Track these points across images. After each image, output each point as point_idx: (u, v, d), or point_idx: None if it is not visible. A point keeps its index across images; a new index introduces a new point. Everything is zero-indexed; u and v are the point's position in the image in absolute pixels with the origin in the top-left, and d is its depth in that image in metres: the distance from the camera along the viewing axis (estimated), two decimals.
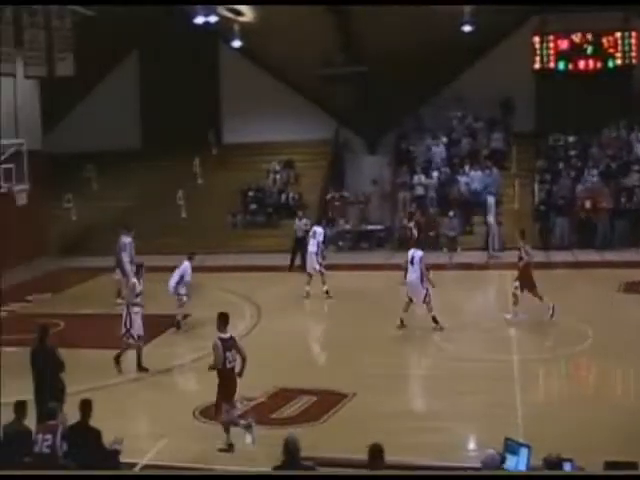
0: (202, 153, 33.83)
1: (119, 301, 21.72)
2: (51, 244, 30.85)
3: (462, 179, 30.43)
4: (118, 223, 24.13)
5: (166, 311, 20.17)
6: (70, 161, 33.59)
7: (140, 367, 16.63)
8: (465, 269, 26.20)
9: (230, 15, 28.80)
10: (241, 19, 29.30)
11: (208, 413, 14.02)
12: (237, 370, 12.71)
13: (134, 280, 17.24)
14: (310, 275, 22.86)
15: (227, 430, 12.64)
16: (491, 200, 28.25)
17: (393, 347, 17.80)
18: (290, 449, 8.77)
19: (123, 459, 10.68)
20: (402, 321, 18.98)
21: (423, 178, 30.61)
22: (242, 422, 12.64)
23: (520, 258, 19.69)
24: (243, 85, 33.83)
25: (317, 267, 22.71)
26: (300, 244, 25.77)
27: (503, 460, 8.73)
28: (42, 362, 12.94)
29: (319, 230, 23.63)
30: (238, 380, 12.72)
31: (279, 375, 16.00)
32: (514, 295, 19.37)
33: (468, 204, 29.87)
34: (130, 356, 17.26)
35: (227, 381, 12.65)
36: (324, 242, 23.74)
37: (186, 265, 20.05)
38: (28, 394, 12.38)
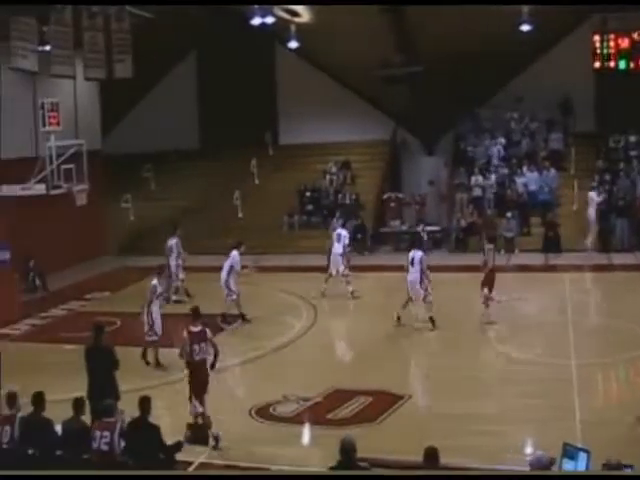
0: (259, 154, 33.97)
1: (174, 297, 22.09)
2: (110, 244, 31.23)
3: (520, 180, 30.14)
4: (173, 223, 24.33)
5: (222, 311, 20.30)
6: (129, 161, 33.99)
7: (158, 364, 16.89)
8: (523, 271, 25.90)
9: (287, 16, 28.87)
10: (298, 20, 29.33)
11: (264, 412, 14.09)
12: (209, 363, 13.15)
13: (155, 282, 17.35)
14: (331, 275, 23.05)
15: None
16: (592, 195, 27.80)
17: (449, 349, 17.67)
18: (346, 450, 8.76)
19: (179, 458, 10.76)
20: (399, 318, 19.18)
21: (480, 179, 30.37)
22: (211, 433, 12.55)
23: (485, 263, 19.80)
24: (299, 86, 33.90)
25: (341, 269, 22.87)
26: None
27: (553, 463, 8.63)
28: (96, 360, 13.12)
29: (344, 233, 23.86)
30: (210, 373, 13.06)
31: (335, 375, 15.98)
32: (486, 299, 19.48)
33: (526, 205, 29.57)
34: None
35: (195, 373, 12.96)
36: (349, 244, 23.99)
37: (234, 254, 20.30)
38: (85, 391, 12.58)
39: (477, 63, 28.33)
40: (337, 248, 23.14)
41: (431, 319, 19.00)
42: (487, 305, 19.34)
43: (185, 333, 13.12)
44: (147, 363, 17.06)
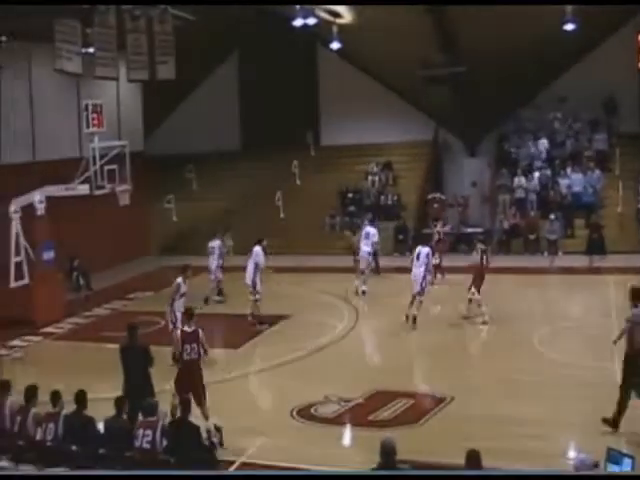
0: (300, 154, 34.02)
1: (216, 298, 22.19)
2: (152, 244, 31.44)
3: (563, 181, 29.84)
4: (224, 226, 24.43)
5: (267, 311, 20.33)
6: (171, 162, 34.23)
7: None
8: (566, 273, 25.63)
9: (328, 17, 28.85)
10: (339, 21, 29.29)
11: (305, 413, 14.09)
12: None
13: (179, 280, 17.33)
14: (363, 272, 23.15)
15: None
16: None
17: (491, 351, 17.54)
18: (387, 452, 8.74)
19: (221, 457, 10.81)
20: (407, 317, 19.41)
21: (523, 180, 30.13)
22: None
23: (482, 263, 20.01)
24: (341, 86, 33.90)
25: (372, 265, 23.12)
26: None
27: (597, 466, 8.52)
28: (131, 358, 13.27)
29: (372, 231, 24.04)
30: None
31: (377, 377, 15.94)
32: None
33: (570, 207, 29.28)
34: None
35: (184, 371, 13.16)
36: (377, 242, 24.25)
37: (257, 250, 20.26)
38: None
39: (520, 63, 28.13)
40: (365, 246, 23.48)
41: (414, 318, 19.23)
42: (470, 301, 19.68)
43: (178, 333, 13.51)
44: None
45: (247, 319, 20.16)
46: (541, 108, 31.84)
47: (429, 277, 19.82)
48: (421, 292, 19.41)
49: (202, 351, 13.23)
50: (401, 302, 22.67)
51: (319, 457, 12.22)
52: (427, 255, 19.64)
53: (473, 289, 19.62)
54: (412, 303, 19.46)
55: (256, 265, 20.16)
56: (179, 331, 13.62)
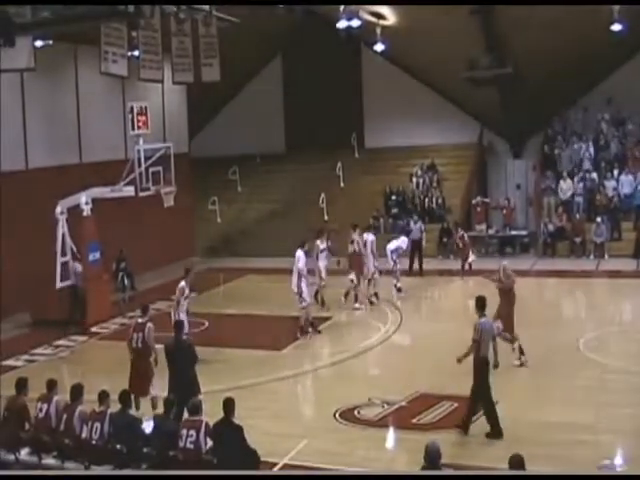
0: (344, 156, 33.99)
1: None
2: (197, 245, 31.60)
3: (610, 184, 29.45)
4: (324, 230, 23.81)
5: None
6: (215, 164, 34.41)
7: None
8: (613, 277, 25.30)
9: (372, 19, 28.81)
10: (384, 23, 29.24)
11: (348, 415, 14.04)
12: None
13: (183, 283, 17.23)
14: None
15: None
16: None
17: (537, 356, 17.31)
18: (432, 456, 8.69)
19: (264, 458, 10.79)
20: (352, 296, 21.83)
21: (569, 182, 29.77)
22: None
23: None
24: (385, 88, 33.81)
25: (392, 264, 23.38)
26: (416, 247, 26.39)
27: None
28: (177, 357, 13.37)
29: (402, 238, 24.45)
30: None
31: (421, 380, 15.83)
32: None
33: (616, 209, 28.89)
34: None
35: (133, 359, 14.23)
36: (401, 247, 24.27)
37: (299, 255, 19.56)
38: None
39: (567, 64, 27.85)
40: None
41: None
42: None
43: (133, 323, 14.91)
44: None
45: (299, 325, 19.68)
46: (588, 109, 31.48)
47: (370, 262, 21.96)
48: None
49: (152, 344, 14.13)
50: (445, 304, 22.61)
51: (361, 460, 12.18)
52: (372, 242, 22.22)
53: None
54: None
55: (299, 271, 19.37)
56: (134, 323, 14.84)
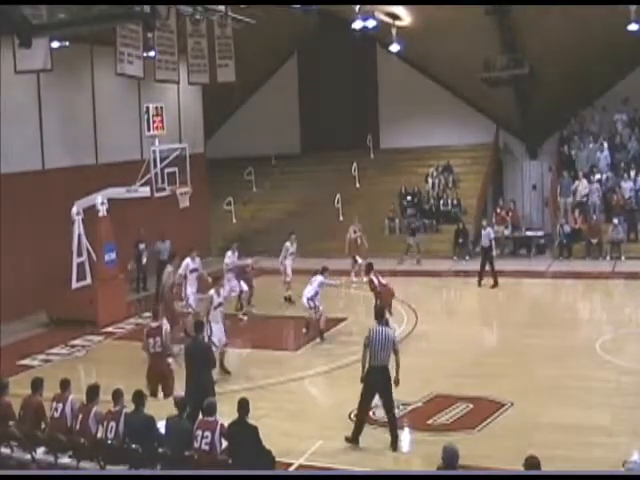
0: (360, 157, 33.99)
1: None
2: (212, 245, 31.61)
3: (627, 184, 29.29)
4: (281, 225, 24.23)
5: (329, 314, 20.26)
6: (231, 165, 34.46)
7: (222, 368, 16.58)
8: (629, 278, 25.16)
9: (388, 19, 28.78)
10: (399, 23, 29.21)
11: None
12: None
13: (212, 292, 17.16)
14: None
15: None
16: None
17: (553, 357, 17.25)
18: (449, 457, 8.65)
19: (279, 458, 10.79)
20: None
21: (585, 183, 29.62)
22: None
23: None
24: (401, 89, 33.77)
25: None
26: (486, 253, 24.65)
27: None
28: (195, 360, 13.37)
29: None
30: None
31: (436, 381, 15.80)
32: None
33: (633, 210, 28.74)
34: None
35: (152, 364, 14.46)
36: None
37: (321, 281, 19.45)
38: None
39: (583, 64, 27.75)
40: None
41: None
42: None
43: (145, 330, 14.94)
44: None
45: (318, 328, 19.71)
46: (604, 110, 31.34)
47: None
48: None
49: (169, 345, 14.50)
50: (460, 305, 22.54)
51: (376, 460, 12.16)
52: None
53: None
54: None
55: (316, 293, 19.28)
56: (146, 328, 14.98)
